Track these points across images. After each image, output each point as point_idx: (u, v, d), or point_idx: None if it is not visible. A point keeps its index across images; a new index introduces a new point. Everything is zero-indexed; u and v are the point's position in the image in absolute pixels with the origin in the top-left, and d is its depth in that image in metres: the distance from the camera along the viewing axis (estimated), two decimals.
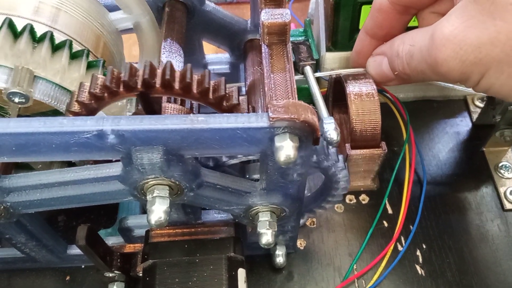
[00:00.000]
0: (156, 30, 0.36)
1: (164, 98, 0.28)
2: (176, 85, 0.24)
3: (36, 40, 0.28)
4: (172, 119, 0.21)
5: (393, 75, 0.34)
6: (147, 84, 0.24)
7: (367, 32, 0.35)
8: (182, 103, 0.29)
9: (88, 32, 0.32)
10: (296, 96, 0.23)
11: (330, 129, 0.29)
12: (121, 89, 0.24)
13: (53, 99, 0.28)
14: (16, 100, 0.27)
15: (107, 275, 0.33)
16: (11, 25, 0.27)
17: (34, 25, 0.28)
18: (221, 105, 0.25)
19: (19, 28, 0.28)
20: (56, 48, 0.28)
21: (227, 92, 0.25)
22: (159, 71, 0.24)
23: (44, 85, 0.28)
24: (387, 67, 0.34)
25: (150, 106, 0.26)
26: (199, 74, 0.25)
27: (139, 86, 0.24)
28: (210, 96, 0.25)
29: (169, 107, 0.27)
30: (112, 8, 0.35)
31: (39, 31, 0.28)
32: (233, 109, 0.26)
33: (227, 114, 0.22)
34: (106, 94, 0.24)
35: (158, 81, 0.24)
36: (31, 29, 0.27)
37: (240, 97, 0.26)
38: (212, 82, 0.25)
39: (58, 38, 0.29)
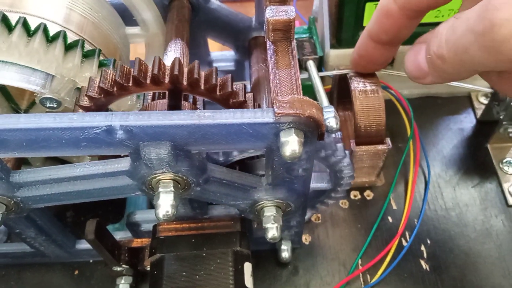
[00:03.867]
0: (163, 41, 0.36)
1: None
2: (184, 81, 0.24)
3: (84, 55, 0.28)
4: (180, 115, 0.22)
5: (426, 69, 0.28)
6: (156, 80, 0.24)
7: (372, 37, 0.32)
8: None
9: (109, 44, 0.32)
10: (301, 92, 0.23)
11: (330, 116, 0.30)
12: (131, 84, 0.24)
13: None
14: (48, 104, 0.28)
15: (115, 269, 0.33)
16: (65, 38, 0.28)
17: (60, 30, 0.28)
18: (228, 101, 0.26)
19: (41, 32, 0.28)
20: (100, 65, 0.29)
21: (234, 89, 0.26)
22: (167, 67, 0.25)
23: (77, 94, 0.28)
24: (423, 56, 0.28)
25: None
26: (206, 71, 0.25)
27: (148, 82, 0.24)
28: (217, 92, 0.25)
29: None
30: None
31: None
32: (240, 106, 0.26)
33: (233, 109, 0.22)
34: (115, 89, 0.25)
35: (167, 77, 0.24)
36: (82, 45, 0.28)
37: (247, 94, 0.26)
38: (219, 79, 0.26)
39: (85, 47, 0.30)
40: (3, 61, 0.26)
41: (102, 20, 0.32)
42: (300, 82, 0.24)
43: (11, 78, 0.26)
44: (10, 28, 0.26)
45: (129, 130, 0.21)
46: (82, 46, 0.28)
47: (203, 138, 0.22)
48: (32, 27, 0.27)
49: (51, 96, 0.27)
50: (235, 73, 0.44)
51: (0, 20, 0.26)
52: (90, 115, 0.21)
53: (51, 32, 0.27)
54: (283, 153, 0.22)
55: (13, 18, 0.27)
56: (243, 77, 0.44)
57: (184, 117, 0.22)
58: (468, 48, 0.23)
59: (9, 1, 0.28)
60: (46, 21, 0.28)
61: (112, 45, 0.32)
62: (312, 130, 0.22)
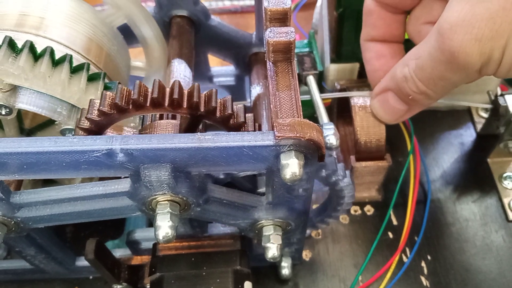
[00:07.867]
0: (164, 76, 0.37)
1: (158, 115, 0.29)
2: (184, 104, 0.25)
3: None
4: (180, 138, 0.22)
5: (406, 107, 0.32)
6: (156, 103, 0.24)
7: (366, 39, 0.35)
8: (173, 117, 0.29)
9: (118, 76, 0.33)
10: (301, 114, 0.23)
11: (329, 134, 0.30)
12: (131, 107, 0.24)
13: None
14: (67, 134, 0.29)
15: (115, 287, 0.33)
16: (104, 79, 0.28)
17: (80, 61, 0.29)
18: (228, 123, 0.26)
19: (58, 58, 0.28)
20: None
21: (234, 110, 0.26)
22: (167, 90, 0.25)
23: None
24: (396, 100, 0.32)
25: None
26: (206, 93, 0.26)
27: (148, 104, 0.24)
28: (217, 114, 0.25)
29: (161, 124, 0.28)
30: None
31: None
32: (240, 127, 0.26)
33: (233, 132, 0.22)
34: (115, 112, 0.25)
35: (166, 101, 0.24)
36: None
37: (247, 115, 0.26)
38: (219, 101, 0.26)
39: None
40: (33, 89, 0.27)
41: (117, 53, 0.32)
42: (300, 104, 0.24)
43: (40, 107, 0.27)
44: (53, 62, 0.27)
45: (130, 153, 0.22)
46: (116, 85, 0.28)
47: (203, 160, 0.22)
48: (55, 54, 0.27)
49: (73, 128, 0.28)
50: (235, 88, 0.44)
51: (49, 54, 0.26)
52: (91, 139, 0.21)
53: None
54: (284, 176, 0.22)
55: (36, 42, 0.27)
56: (243, 91, 0.44)
57: (184, 140, 0.22)
58: (442, 74, 0.28)
59: (35, 24, 0.29)
60: (69, 50, 0.29)
61: (121, 77, 0.33)
62: (313, 152, 0.23)
